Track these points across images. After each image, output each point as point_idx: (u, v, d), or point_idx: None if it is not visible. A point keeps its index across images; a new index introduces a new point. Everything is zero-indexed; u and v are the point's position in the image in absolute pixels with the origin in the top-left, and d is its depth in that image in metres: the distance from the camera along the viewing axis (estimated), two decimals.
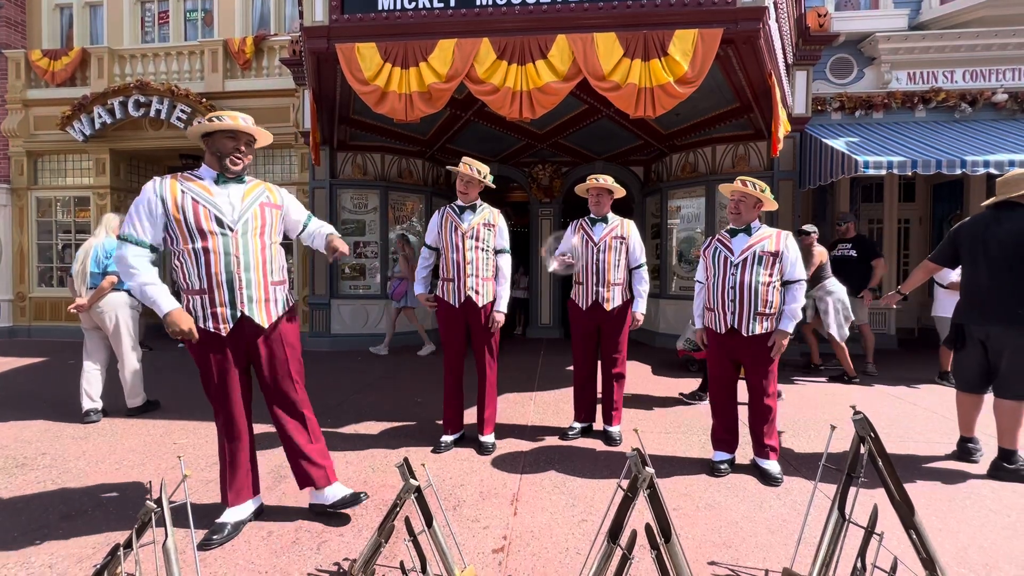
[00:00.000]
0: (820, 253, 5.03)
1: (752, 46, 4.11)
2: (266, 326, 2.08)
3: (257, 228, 2.07)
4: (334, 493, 2.23)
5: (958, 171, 5.16)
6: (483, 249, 3.04)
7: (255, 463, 2.25)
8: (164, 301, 1.94)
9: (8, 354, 6.62)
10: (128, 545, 1.68)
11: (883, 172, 5.21)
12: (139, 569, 1.62)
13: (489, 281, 3.07)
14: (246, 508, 2.17)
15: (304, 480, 2.22)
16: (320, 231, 2.32)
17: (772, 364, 2.70)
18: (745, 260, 2.68)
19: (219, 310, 2.00)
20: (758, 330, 2.65)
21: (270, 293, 2.09)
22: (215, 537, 2.01)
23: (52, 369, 5.57)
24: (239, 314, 2.02)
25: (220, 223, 2.00)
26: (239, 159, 2.06)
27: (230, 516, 2.11)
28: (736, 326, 2.69)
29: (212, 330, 2.02)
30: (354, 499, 2.23)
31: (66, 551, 1.97)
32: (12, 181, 8.34)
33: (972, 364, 2.87)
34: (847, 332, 4.90)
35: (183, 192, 1.99)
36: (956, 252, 2.97)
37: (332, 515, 2.23)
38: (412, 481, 1.70)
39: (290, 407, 2.19)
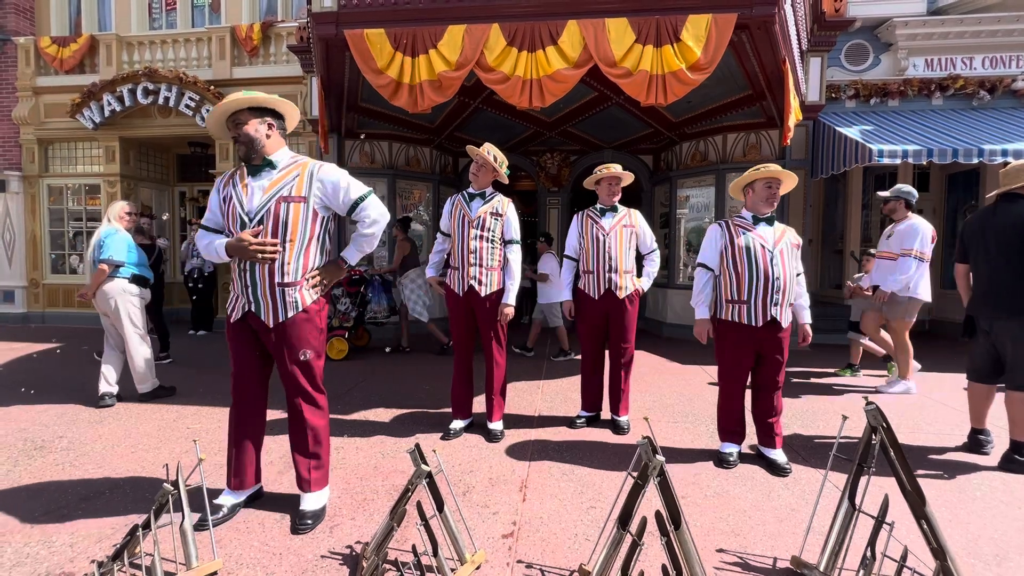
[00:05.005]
0: (409, 243, 5.85)
1: (767, 32, 4.04)
2: (271, 326, 2.03)
3: (268, 227, 1.97)
4: (307, 502, 2.11)
5: (975, 160, 5.06)
6: (487, 239, 3.03)
7: (258, 454, 2.22)
8: (219, 245, 2.03)
9: (23, 339, 6.73)
10: (146, 526, 1.72)
11: (897, 161, 5.13)
12: (157, 549, 1.65)
13: (494, 271, 3.06)
14: (238, 495, 2.17)
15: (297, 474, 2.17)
16: (359, 233, 2.15)
17: (785, 356, 2.69)
18: (781, 251, 2.64)
19: (240, 300, 2.08)
20: (787, 322, 2.67)
21: (276, 295, 1.99)
22: (214, 517, 2.02)
23: (66, 354, 5.66)
24: (249, 309, 2.05)
25: (241, 221, 2.00)
26: (237, 138, 2.01)
27: (225, 499, 2.14)
28: (778, 317, 2.62)
29: (234, 319, 2.10)
30: (300, 521, 2.04)
31: (86, 531, 2.02)
32: (24, 168, 8.40)
33: (982, 354, 2.91)
34: (427, 314, 5.80)
35: (227, 185, 2.07)
36: (965, 248, 3.00)
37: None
38: (424, 467, 1.71)
39: (293, 406, 2.12)
